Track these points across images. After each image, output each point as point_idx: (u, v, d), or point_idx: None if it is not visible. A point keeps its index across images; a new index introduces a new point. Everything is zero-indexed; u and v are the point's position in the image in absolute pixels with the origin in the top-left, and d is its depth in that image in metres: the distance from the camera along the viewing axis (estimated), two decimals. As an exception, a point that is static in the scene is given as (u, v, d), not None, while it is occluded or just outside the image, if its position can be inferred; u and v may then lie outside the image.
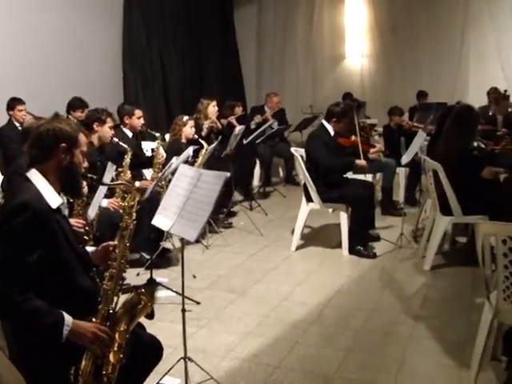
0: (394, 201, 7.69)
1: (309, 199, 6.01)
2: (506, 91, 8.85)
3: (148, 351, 2.79)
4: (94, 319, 2.51)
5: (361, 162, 6.09)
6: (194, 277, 5.25)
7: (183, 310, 3.34)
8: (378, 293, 4.97)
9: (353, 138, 6.34)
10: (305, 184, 5.97)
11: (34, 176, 2.50)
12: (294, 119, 10.04)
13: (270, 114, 8.99)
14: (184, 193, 3.13)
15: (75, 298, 2.51)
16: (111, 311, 2.58)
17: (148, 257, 5.23)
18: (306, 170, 5.83)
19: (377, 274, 5.44)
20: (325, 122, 5.99)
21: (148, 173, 6.34)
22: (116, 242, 2.72)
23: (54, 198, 2.48)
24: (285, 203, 8.26)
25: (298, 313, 4.55)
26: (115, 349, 2.51)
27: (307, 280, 5.30)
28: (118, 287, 2.65)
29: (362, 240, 5.91)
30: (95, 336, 2.42)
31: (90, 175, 2.74)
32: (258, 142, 8.10)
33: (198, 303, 4.66)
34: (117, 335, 2.53)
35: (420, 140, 5.89)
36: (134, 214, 2.77)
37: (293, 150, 6.19)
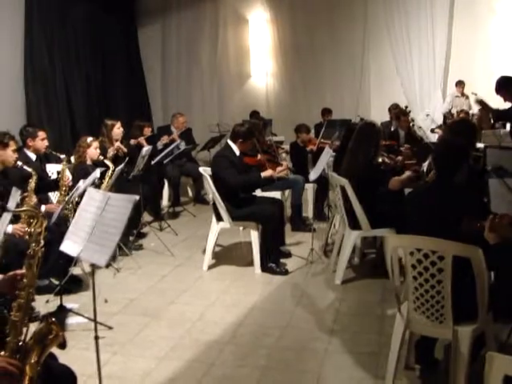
0: (303, 217, 7.81)
1: (219, 218, 6.00)
2: (406, 107, 9.22)
3: (61, 382, 2.67)
4: (2, 352, 2.38)
5: (266, 172, 6.05)
6: (106, 301, 5.11)
7: (96, 337, 3.22)
8: (292, 309, 5.01)
9: (259, 156, 6.38)
10: (214, 203, 5.95)
11: None
12: (202, 138, 10.06)
13: (176, 134, 8.96)
14: (92, 217, 3.05)
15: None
16: (21, 343, 2.45)
17: (57, 283, 5.05)
18: (215, 188, 5.82)
19: (290, 290, 5.48)
20: (230, 142, 5.99)
21: (54, 196, 6.13)
22: (24, 271, 2.60)
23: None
24: (195, 222, 8.21)
25: (213, 333, 4.51)
26: (26, 383, 2.39)
27: (220, 299, 5.27)
28: (26, 317, 2.53)
29: (273, 257, 5.94)
30: (5, 370, 2.29)
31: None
32: (165, 162, 8.03)
33: (111, 328, 4.53)
34: (27, 368, 2.41)
35: (327, 156, 6.02)
36: (42, 241, 2.66)
37: (201, 169, 6.16)
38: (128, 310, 5.04)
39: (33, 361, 2.44)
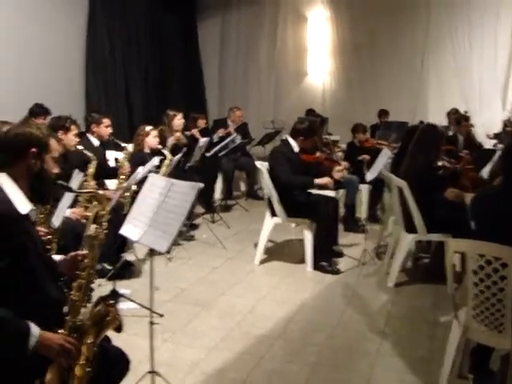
0: (356, 217, 7.73)
1: (273, 213, 5.98)
2: (466, 112, 9.03)
3: (115, 365, 2.70)
4: (61, 330, 2.42)
5: (321, 180, 5.96)
6: (157, 289, 5.15)
7: (151, 323, 3.25)
8: (343, 309, 4.96)
9: (317, 154, 6.33)
10: (269, 198, 5.94)
11: (3, 180, 2.40)
12: (256, 134, 10.07)
13: (232, 127, 8.98)
14: (155, 202, 3.07)
15: (42, 308, 2.40)
16: (79, 323, 2.48)
17: (110, 267, 5.11)
18: (271, 183, 5.80)
19: (341, 289, 5.43)
20: (290, 139, 5.96)
21: (110, 183, 6.21)
22: (85, 252, 2.64)
23: (23, 204, 2.39)
24: (247, 217, 8.23)
25: (263, 327, 4.50)
26: (82, 362, 2.42)
27: (271, 294, 5.26)
28: (86, 298, 2.57)
29: (325, 256, 5.90)
30: (62, 348, 2.32)
31: (60, 182, 2.65)
32: (220, 155, 8.06)
33: (162, 316, 4.56)
34: (84, 348, 2.44)
35: (385, 157, 5.93)
36: (105, 224, 2.69)
37: (258, 163, 6.15)
38: (179, 298, 5.07)
39: (89, 341, 2.47)
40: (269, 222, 6.06)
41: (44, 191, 2.53)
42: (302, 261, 6.04)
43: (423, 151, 5.25)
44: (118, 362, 2.72)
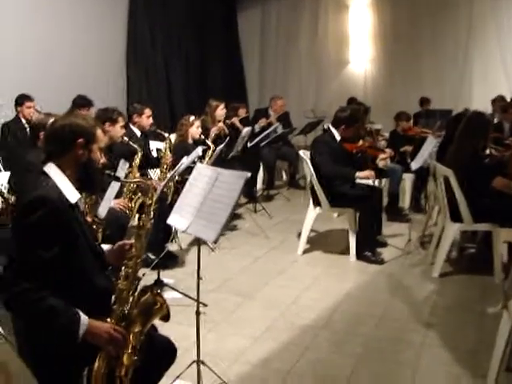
0: (399, 207, 7.64)
1: (316, 203, 5.94)
2: (512, 100, 8.83)
3: (162, 353, 2.72)
4: (108, 319, 2.44)
5: (363, 173, 5.80)
6: (201, 278, 5.16)
7: (197, 313, 3.27)
8: (387, 299, 4.91)
9: (360, 142, 6.25)
10: (312, 187, 5.90)
11: (52, 170, 2.43)
12: (296, 123, 9.99)
13: (274, 117, 8.94)
14: (201, 192, 3.06)
15: (90, 297, 2.44)
16: (126, 312, 2.50)
17: (154, 257, 5.15)
18: (314, 172, 5.76)
19: (385, 280, 5.38)
20: (332, 128, 5.90)
21: (153, 173, 6.26)
22: (132, 241, 2.66)
23: (72, 193, 2.42)
24: (289, 207, 8.21)
25: (307, 317, 4.48)
26: (129, 350, 2.44)
27: (315, 284, 5.23)
28: (133, 287, 2.58)
29: (369, 245, 5.84)
30: (110, 337, 2.35)
31: (107, 172, 2.67)
32: (262, 145, 8.04)
33: (206, 305, 4.57)
34: (131, 336, 2.46)
35: (430, 146, 5.84)
36: (152, 213, 2.70)
37: (301, 152, 6.11)
38: (222, 288, 5.09)
39: (137, 330, 2.48)
40: (312, 212, 6.03)
41: (92, 181, 2.56)
42: (345, 251, 5.99)
43: (470, 139, 5.14)
44: (165, 351, 2.74)
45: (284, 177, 9.80)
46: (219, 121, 7.37)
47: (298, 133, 9.42)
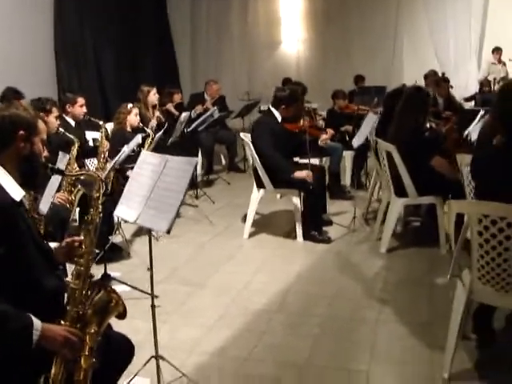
0: (341, 185, 7.67)
1: (259, 185, 5.88)
2: (443, 74, 8.97)
3: (120, 352, 2.60)
4: (62, 321, 2.30)
5: (301, 174, 5.63)
6: (149, 269, 5.03)
7: (153, 306, 3.16)
8: (338, 278, 4.91)
9: (301, 122, 6.21)
10: (255, 169, 5.83)
11: (-7, 167, 2.26)
12: (232, 106, 9.91)
13: (210, 102, 8.82)
14: (149, 181, 2.94)
15: (41, 299, 2.29)
16: (81, 312, 2.37)
17: (98, 251, 4.98)
18: (256, 154, 5.69)
19: (334, 258, 5.38)
20: (272, 108, 5.83)
21: (90, 163, 6.05)
22: (82, 237, 2.51)
23: (16, 190, 2.25)
24: (230, 190, 8.11)
25: (260, 302, 4.43)
26: (86, 353, 2.31)
27: (264, 268, 5.18)
28: (86, 286, 2.45)
29: (316, 225, 5.82)
30: (66, 340, 2.21)
31: (51, 165, 2.50)
32: (199, 129, 7.91)
33: (157, 297, 4.42)
34: (87, 338, 2.33)
35: (371, 122, 5.85)
36: (100, 207, 2.57)
37: (242, 135, 6.02)
38: (171, 278, 4.96)
39: (93, 330, 2.36)
40: (256, 195, 5.96)
41: (35, 176, 2.40)
42: (291, 232, 5.98)
43: (411, 114, 5.18)
44: (123, 349, 2.63)
45: (223, 161, 9.70)
46: (153, 106, 7.20)
47: (235, 116, 9.33)
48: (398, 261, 5.27)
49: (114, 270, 5.00)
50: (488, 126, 4.44)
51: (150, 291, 4.36)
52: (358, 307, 4.32)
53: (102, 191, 2.61)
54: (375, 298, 4.47)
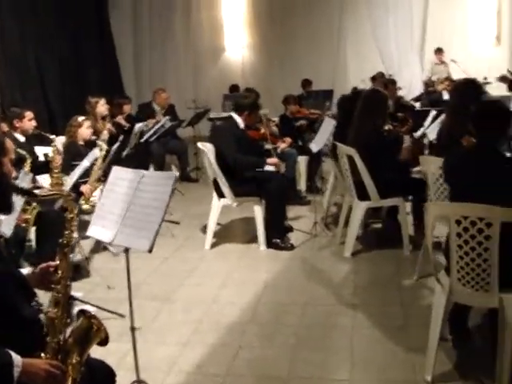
0: (297, 190, 7.64)
1: (220, 195, 5.78)
2: (390, 75, 9.08)
3: (103, 379, 2.47)
4: (43, 354, 2.15)
5: (272, 160, 5.85)
6: (110, 287, 4.88)
7: (132, 328, 3.02)
8: (306, 285, 4.86)
9: (262, 130, 6.16)
10: (215, 179, 5.73)
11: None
12: (179, 114, 9.77)
13: (160, 113, 8.67)
14: (123, 198, 2.80)
15: (18, 332, 2.14)
16: (61, 342, 2.23)
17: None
18: (216, 164, 5.59)
19: (299, 265, 5.33)
20: (234, 115, 5.75)
21: (43, 180, 5.82)
22: (57, 262, 2.37)
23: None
24: (185, 201, 7.96)
25: (231, 314, 4.33)
26: (69, 384, 2.17)
27: (230, 279, 5.08)
28: (65, 314, 2.30)
29: (278, 232, 5.77)
30: (48, 374, 2.05)
31: (21, 187, 2.35)
32: (150, 140, 7.76)
33: (123, 316, 4.29)
34: (70, 369, 2.19)
35: (330, 127, 5.82)
36: (75, 228, 2.43)
37: (199, 144, 5.89)
38: (137, 295, 4.74)
39: (75, 361, 2.22)
40: (216, 205, 5.85)
41: (7, 198, 2.24)
42: (252, 240, 5.91)
43: (370, 117, 5.19)
44: (105, 377, 2.50)
45: (174, 171, 9.53)
46: (102, 117, 7.03)
47: (186, 125, 9.19)
48: (364, 264, 5.26)
49: (76, 289, 4.78)
50: (450, 127, 4.51)
51: (115, 310, 4.25)
52: (331, 314, 4.28)
53: (75, 211, 2.48)
54: (347, 303, 4.44)
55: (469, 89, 4.77)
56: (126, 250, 2.97)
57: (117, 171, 2.98)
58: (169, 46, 12.74)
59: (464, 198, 3.12)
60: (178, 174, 2.48)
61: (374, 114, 5.20)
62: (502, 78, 7.14)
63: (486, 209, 2.97)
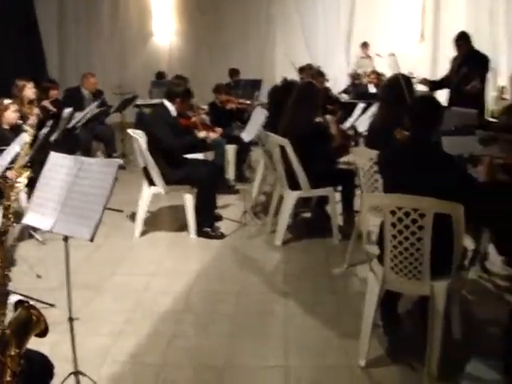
0: (226, 178, 7.65)
1: (151, 182, 5.72)
2: (319, 67, 9.19)
3: (41, 371, 2.42)
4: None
5: (201, 133, 6.00)
6: (39, 276, 4.75)
7: (70, 319, 2.95)
8: (238, 273, 4.88)
9: (193, 118, 6.12)
10: (145, 167, 5.66)
11: None
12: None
13: (90, 98, 8.45)
14: (63, 185, 2.72)
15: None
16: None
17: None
18: (147, 152, 5.51)
19: (230, 254, 5.34)
20: (166, 102, 5.68)
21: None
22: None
23: None
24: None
25: (164, 303, 4.30)
26: (8, 378, 2.11)
27: (162, 267, 5.04)
28: (2, 305, 2.24)
29: (208, 221, 5.76)
30: None
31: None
32: (77, 126, 7.56)
33: (53, 305, 4.18)
34: (9, 361, 2.13)
35: (262, 116, 5.83)
36: (12, 217, 2.35)
37: (130, 131, 5.79)
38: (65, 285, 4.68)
39: (13, 353, 2.16)
40: (147, 192, 5.78)
41: None
42: (182, 228, 5.89)
43: (304, 108, 5.25)
44: (44, 368, 2.45)
45: (100, 157, 9.33)
46: (30, 101, 6.78)
47: (113, 111, 9.00)
48: (294, 253, 5.33)
49: (1, 279, 4.63)
50: (383, 120, 4.63)
51: (43, 300, 4.13)
52: (264, 302, 4.32)
53: (12, 198, 2.41)
54: (279, 291, 4.50)
55: (401, 83, 4.90)
56: (65, 239, 2.89)
57: (55, 157, 2.88)
58: (95, 30, 12.40)
59: (398, 190, 3.22)
60: (121, 161, 2.43)
61: (307, 106, 5.26)
62: (422, 81, 7.40)
63: (420, 200, 3.08)
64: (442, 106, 3.49)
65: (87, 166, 2.73)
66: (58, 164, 2.82)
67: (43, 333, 2.34)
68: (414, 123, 3.38)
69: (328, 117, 5.61)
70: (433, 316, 3.23)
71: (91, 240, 2.66)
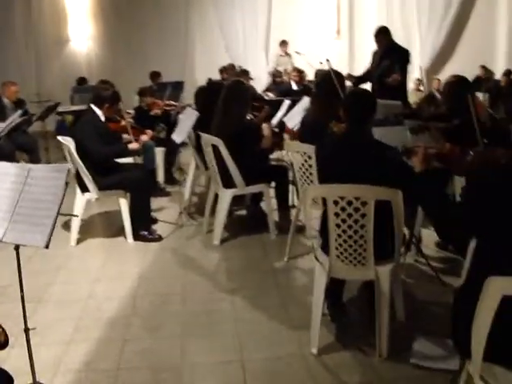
0: (156, 181, 7.63)
1: (83, 189, 5.64)
2: (240, 67, 9.30)
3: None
4: None
5: (133, 145, 5.89)
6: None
7: (26, 330, 2.89)
8: (181, 275, 4.89)
9: (123, 122, 6.08)
10: (77, 173, 5.57)
11: None
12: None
13: (12, 108, 8.21)
14: (10, 194, 2.67)
15: None
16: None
17: None
18: (78, 158, 5.43)
19: (170, 256, 5.35)
20: (94, 107, 5.61)
21: None
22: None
23: None
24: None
25: (111, 309, 4.27)
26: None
27: (103, 274, 4.99)
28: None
29: (145, 224, 5.74)
30: None
31: None
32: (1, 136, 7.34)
33: (-6, 319, 4.06)
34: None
35: (193, 117, 5.84)
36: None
37: (60, 138, 5.68)
38: (4, 296, 4.57)
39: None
40: (80, 199, 5.70)
41: None
42: (117, 234, 5.86)
43: (235, 107, 5.32)
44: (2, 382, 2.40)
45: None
46: None
47: (35, 119, 8.79)
48: (234, 250, 5.40)
49: None
50: (316, 114, 4.77)
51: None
52: (211, 300, 4.37)
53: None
54: (224, 289, 4.55)
55: (332, 79, 5.05)
56: (17, 248, 2.84)
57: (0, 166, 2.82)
58: (8, 36, 12.02)
59: (337, 182, 3.34)
60: (70, 166, 2.39)
61: (238, 104, 5.34)
62: (346, 77, 7.64)
63: (362, 189, 3.22)
64: (374, 97, 3.63)
65: (36, 173, 2.69)
66: (2, 173, 2.76)
67: (3, 345, 2.30)
68: (349, 116, 3.51)
69: (264, 125, 5.68)
70: (379, 299, 3.38)
71: (46, 247, 2.63)
